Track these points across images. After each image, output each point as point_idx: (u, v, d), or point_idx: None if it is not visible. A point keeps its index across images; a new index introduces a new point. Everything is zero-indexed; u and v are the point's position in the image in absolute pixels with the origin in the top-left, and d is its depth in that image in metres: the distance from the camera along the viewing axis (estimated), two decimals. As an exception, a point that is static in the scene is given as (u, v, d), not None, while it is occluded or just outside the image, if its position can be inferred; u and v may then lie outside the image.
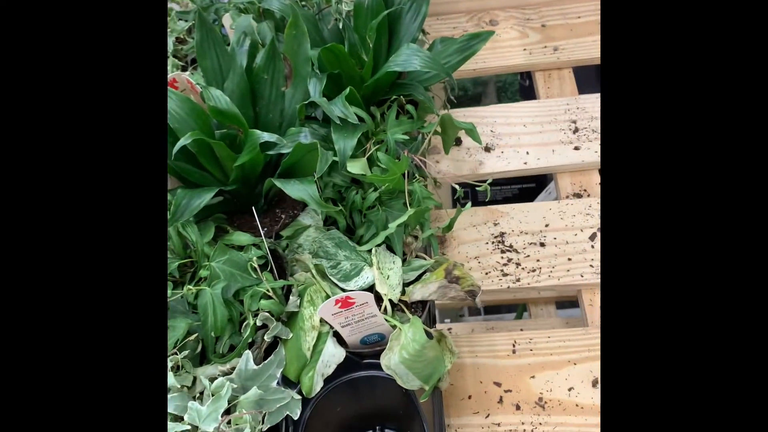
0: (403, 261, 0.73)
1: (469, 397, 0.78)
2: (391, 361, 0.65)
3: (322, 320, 0.66)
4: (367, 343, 0.70)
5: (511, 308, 1.49)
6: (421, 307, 0.72)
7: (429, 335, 0.66)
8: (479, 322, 1.24)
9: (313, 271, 0.69)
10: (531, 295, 1.22)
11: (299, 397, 0.64)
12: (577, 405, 0.76)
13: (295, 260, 0.72)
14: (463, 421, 0.76)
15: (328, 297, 0.66)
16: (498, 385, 0.79)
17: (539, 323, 1.19)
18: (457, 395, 0.78)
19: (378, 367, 0.67)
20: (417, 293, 0.70)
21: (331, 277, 0.69)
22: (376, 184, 0.71)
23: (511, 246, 0.91)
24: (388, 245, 0.73)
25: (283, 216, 0.77)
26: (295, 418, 0.63)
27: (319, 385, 0.65)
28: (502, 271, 0.88)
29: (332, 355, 0.66)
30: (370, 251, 0.71)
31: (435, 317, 0.73)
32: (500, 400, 0.77)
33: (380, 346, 0.68)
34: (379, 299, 0.69)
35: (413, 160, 0.72)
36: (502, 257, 0.90)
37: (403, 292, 0.70)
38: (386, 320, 0.67)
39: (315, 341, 0.66)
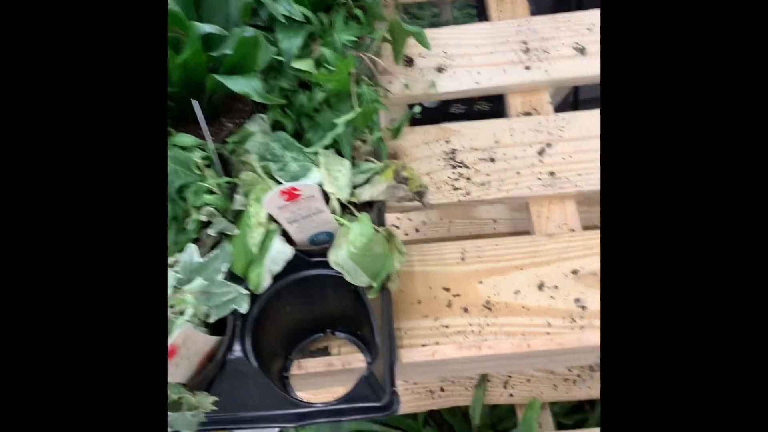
0: (352, 165, 0.73)
1: (419, 302, 0.79)
2: (339, 256, 0.66)
3: (269, 217, 0.66)
4: (316, 242, 0.70)
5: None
6: (369, 208, 0.72)
7: (376, 231, 0.67)
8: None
9: (260, 171, 0.68)
10: (485, 230, 1.24)
11: (246, 292, 0.64)
12: (523, 307, 0.78)
13: (241, 163, 0.71)
14: (413, 324, 0.77)
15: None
16: (447, 290, 0.80)
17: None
18: (406, 300, 0.79)
19: (327, 266, 0.67)
20: (365, 194, 0.70)
21: (278, 177, 0.69)
22: (322, 84, 0.70)
23: (461, 162, 0.92)
24: (337, 150, 0.73)
25: (229, 124, 0.76)
26: (243, 312, 0.63)
27: (267, 282, 0.66)
28: (452, 185, 0.89)
29: (280, 252, 0.66)
30: (317, 153, 0.71)
31: (384, 221, 0.74)
32: (449, 304, 0.79)
33: (328, 244, 0.68)
34: (328, 201, 0.69)
35: (362, 60, 0.72)
36: (453, 173, 0.91)
37: (352, 194, 0.71)
38: (335, 218, 0.67)
39: (262, 238, 0.65)
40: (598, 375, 1.21)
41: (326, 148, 0.70)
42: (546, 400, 1.21)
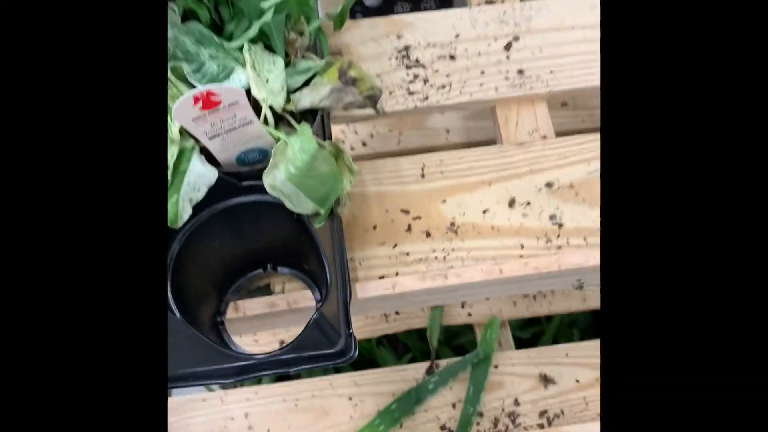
0: (287, 64, 0.59)
1: (374, 227, 0.68)
2: (276, 179, 0.53)
3: (183, 133, 0.52)
4: (246, 162, 0.57)
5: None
6: (311, 118, 0.59)
7: (321, 146, 0.54)
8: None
9: (170, 75, 0.54)
10: (438, 141, 1.12)
11: None
12: (492, 227, 0.68)
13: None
14: (368, 254, 0.66)
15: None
16: (406, 212, 0.69)
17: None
18: (360, 227, 0.68)
19: (261, 190, 0.55)
20: (305, 99, 0.56)
21: (193, 81, 0.54)
22: (243, -42, 0.55)
23: (417, 60, 0.78)
24: (267, 44, 0.59)
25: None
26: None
27: (186, 213, 0.53)
28: (407, 89, 0.76)
29: (200, 175, 0.53)
30: (242, 49, 0.56)
31: (330, 133, 0.61)
32: (408, 228, 0.68)
33: (262, 164, 0.55)
34: (259, 111, 0.56)
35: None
36: (408, 73, 0.77)
37: (288, 100, 0.57)
38: (268, 131, 0.54)
39: (176, 159, 0.52)
40: (559, 291, 1.15)
41: (252, 42, 0.56)
42: (505, 318, 1.15)
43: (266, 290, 0.64)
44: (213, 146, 0.53)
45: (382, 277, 0.65)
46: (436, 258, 0.66)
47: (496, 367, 1.01)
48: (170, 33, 0.58)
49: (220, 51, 0.56)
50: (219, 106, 0.49)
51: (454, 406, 1.03)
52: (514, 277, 0.64)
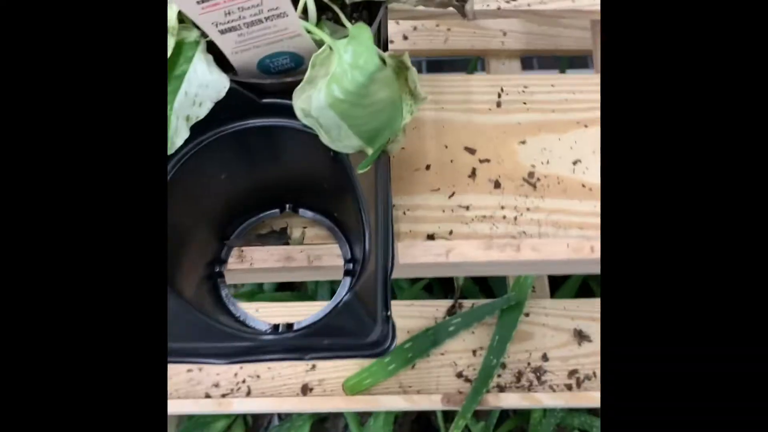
0: (342, -71, 0.40)
1: (428, 167, 0.52)
2: (312, 102, 0.37)
3: (185, 19, 0.35)
4: (271, 70, 0.40)
5: (459, 67, 1.18)
6: (368, 13, 0.41)
7: (381, 61, 0.37)
8: (423, 76, 0.95)
9: None
10: (491, 46, 0.92)
11: None
12: (584, 185, 0.52)
13: None
14: (417, 201, 0.51)
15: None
16: (471, 151, 0.53)
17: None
18: (409, 164, 0.52)
19: (288, 111, 0.39)
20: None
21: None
22: None
23: (507, -55, 0.59)
24: None
25: None
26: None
27: (181, 136, 0.37)
28: (490, -17, 0.57)
29: (204, 85, 0.36)
30: None
31: (386, 36, 0.44)
32: (473, 174, 0.52)
33: (293, 77, 0.39)
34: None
35: None
36: (493, -38, 0.58)
37: (339, -16, 0.39)
38: (306, 28, 0.37)
39: (171, 57, 0.35)
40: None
41: None
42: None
43: (281, 235, 0.49)
44: (225, 44, 0.36)
45: (431, 237, 0.50)
46: (504, 218, 0.50)
47: (526, 315, 0.87)
48: None
49: None
50: (237, -13, 0.32)
51: (474, 353, 0.91)
52: (606, 259, 0.48)
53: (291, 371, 0.79)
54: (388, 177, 0.45)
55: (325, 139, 0.38)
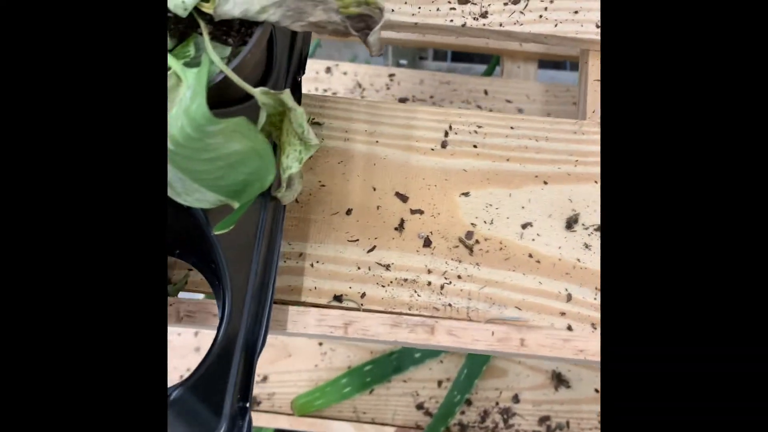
0: None
1: (348, 211, 0.44)
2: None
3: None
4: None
5: (485, 59, 1.08)
6: (247, 34, 0.33)
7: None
8: (435, 73, 0.86)
9: None
10: (508, 46, 0.83)
11: None
12: (531, 256, 0.42)
13: None
14: (329, 252, 0.43)
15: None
16: (403, 198, 0.44)
17: (511, 87, 0.81)
18: (326, 205, 0.44)
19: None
20: (233, 2, 0.30)
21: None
22: None
23: (486, -51, 0.49)
24: None
25: None
26: None
27: None
28: (456, -8, 0.48)
29: None
30: None
31: (301, 64, 0.36)
32: (400, 225, 0.43)
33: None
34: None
35: None
36: (467, -32, 0.49)
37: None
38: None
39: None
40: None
41: None
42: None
43: (158, 280, 0.41)
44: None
45: (338, 298, 0.41)
46: (429, 284, 0.42)
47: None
48: None
49: None
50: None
51: (440, 384, 0.83)
52: (543, 356, 0.40)
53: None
54: (275, 228, 0.37)
55: (173, 194, 0.30)
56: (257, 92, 0.31)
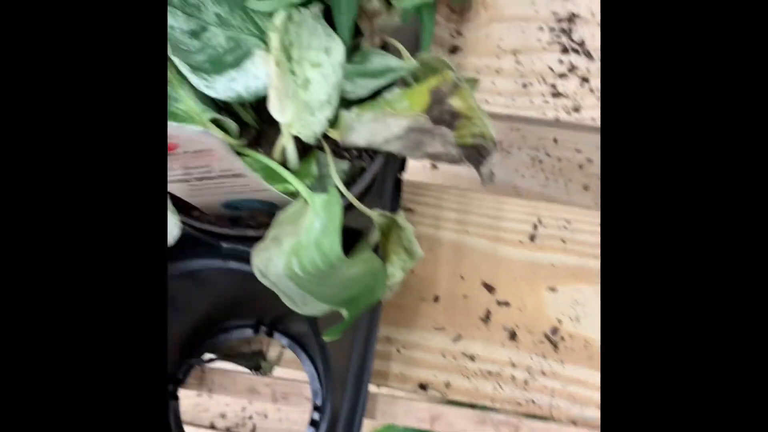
0: (351, 50, 0.34)
1: (436, 299, 0.45)
2: (271, 267, 0.31)
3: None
4: (239, 208, 0.34)
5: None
6: (368, 157, 0.35)
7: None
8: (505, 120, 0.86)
9: None
10: None
11: None
12: (614, 357, 0.43)
13: None
14: (415, 339, 0.44)
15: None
16: (490, 289, 0.45)
17: (581, 136, 0.81)
18: (414, 291, 0.45)
19: (248, 259, 0.33)
20: (361, 130, 0.32)
21: (177, 57, 0.31)
22: None
23: (582, 42, 0.50)
24: (327, 9, 0.33)
25: None
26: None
27: None
28: (553, 87, 0.49)
29: None
30: (273, 15, 0.32)
31: (399, 185, 0.38)
32: (486, 317, 0.45)
33: (255, 229, 0.33)
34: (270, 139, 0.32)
35: None
36: (562, 61, 0.50)
37: (335, 121, 0.33)
38: (280, 177, 0.31)
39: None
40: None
41: (296, 5, 0.31)
42: None
43: (252, 357, 0.43)
44: (176, 190, 0.30)
45: (423, 387, 0.43)
46: (513, 378, 0.43)
47: None
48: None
49: (236, 12, 0.32)
50: (175, 150, 0.26)
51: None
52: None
53: (299, 416, 0.74)
54: (374, 316, 0.38)
55: (287, 302, 0.32)
56: (374, 215, 0.32)
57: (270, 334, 0.43)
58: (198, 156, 0.27)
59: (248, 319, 0.42)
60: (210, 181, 0.29)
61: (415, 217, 0.47)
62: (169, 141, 0.25)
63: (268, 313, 0.41)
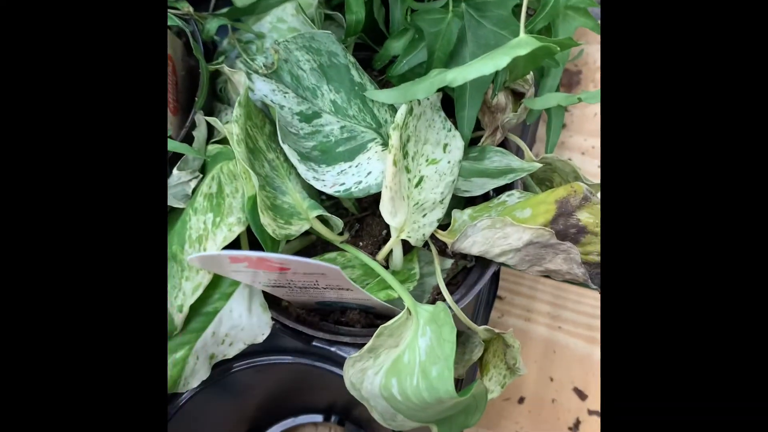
0: (469, 144, 0.31)
1: (521, 400, 0.42)
2: (366, 381, 0.28)
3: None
4: (332, 306, 0.31)
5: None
6: (476, 269, 0.32)
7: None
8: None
9: (240, 115, 0.28)
10: None
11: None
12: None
13: (229, 73, 0.31)
14: (495, 442, 0.41)
15: (254, 191, 0.26)
16: (582, 396, 0.41)
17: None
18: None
19: (337, 360, 0.30)
20: (475, 238, 0.29)
21: (286, 143, 0.29)
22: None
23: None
24: (447, 97, 0.31)
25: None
26: None
27: (198, 377, 0.30)
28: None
29: (239, 327, 0.29)
30: (394, 108, 0.29)
31: (497, 280, 0.35)
32: (575, 426, 0.41)
33: (351, 335, 0.30)
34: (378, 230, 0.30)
35: None
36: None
37: (446, 225, 0.30)
38: (384, 282, 0.28)
39: (202, 290, 0.28)
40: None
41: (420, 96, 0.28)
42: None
43: (322, 444, 0.41)
44: (275, 292, 0.28)
45: (501, 498, 0.39)
46: (600, 500, 0.39)
47: None
48: (295, 23, 0.31)
49: (354, 101, 0.29)
50: (286, 271, 0.24)
51: None
52: None
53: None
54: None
55: (376, 416, 0.29)
56: (481, 330, 0.29)
57: (341, 423, 0.40)
58: (309, 275, 0.25)
59: (319, 403, 0.39)
60: (313, 290, 0.27)
61: (504, 306, 0.44)
62: (272, 264, 0.23)
63: (338, 400, 0.38)
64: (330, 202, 0.33)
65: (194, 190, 0.28)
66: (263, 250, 0.28)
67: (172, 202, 0.28)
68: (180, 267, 0.27)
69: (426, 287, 0.32)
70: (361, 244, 0.32)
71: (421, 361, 0.26)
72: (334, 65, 0.29)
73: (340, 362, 0.31)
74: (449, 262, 0.32)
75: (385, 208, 0.28)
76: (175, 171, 0.28)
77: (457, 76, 0.25)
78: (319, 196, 0.32)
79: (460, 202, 0.31)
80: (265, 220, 0.26)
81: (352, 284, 0.25)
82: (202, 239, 0.27)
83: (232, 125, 0.27)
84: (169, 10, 0.31)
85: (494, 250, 0.29)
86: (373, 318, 0.32)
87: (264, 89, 0.30)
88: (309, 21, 0.31)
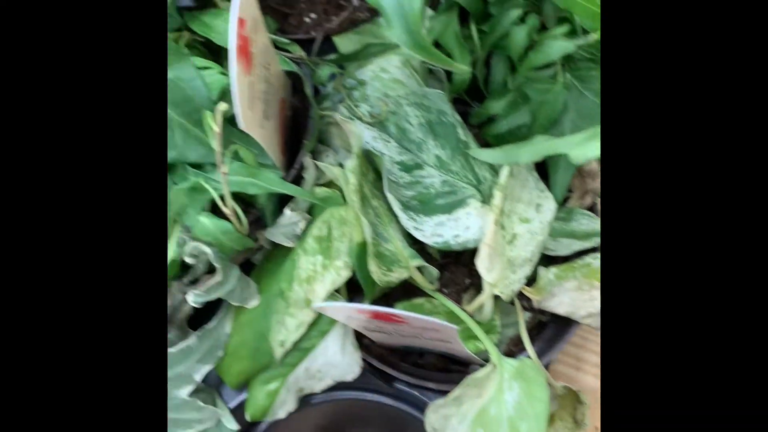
0: (559, 205, 0.33)
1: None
2: (447, 428, 0.29)
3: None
4: (412, 349, 0.33)
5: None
6: (553, 326, 0.33)
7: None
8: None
9: (356, 166, 0.30)
10: None
11: (235, 427, 0.30)
12: None
13: (331, 120, 0.32)
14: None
15: (365, 237, 0.28)
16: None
17: None
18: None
19: (418, 404, 0.31)
20: (562, 298, 0.30)
21: (391, 193, 0.30)
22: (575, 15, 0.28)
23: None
24: (541, 164, 0.32)
25: (345, 12, 0.36)
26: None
27: (286, 408, 0.31)
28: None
29: (332, 364, 0.30)
30: (495, 169, 0.31)
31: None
32: (618, 478, 0.41)
33: (435, 381, 0.31)
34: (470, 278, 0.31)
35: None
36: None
37: (533, 280, 0.31)
38: (471, 351, 0.30)
39: (305, 329, 0.29)
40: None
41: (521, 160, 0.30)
42: None
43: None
44: (372, 335, 0.29)
45: None
46: None
47: None
48: (397, 74, 0.33)
49: (457, 157, 0.31)
50: (402, 323, 0.25)
51: None
52: None
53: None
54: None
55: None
56: (559, 387, 0.31)
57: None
58: (419, 329, 0.26)
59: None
60: (412, 338, 0.28)
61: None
62: (393, 317, 0.24)
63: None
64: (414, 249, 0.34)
65: (304, 232, 0.29)
66: (361, 293, 0.30)
67: (281, 239, 0.29)
68: (286, 303, 0.29)
69: (503, 337, 0.33)
70: (445, 291, 0.33)
71: (509, 416, 0.28)
72: (442, 123, 0.31)
73: (418, 404, 0.32)
74: (527, 315, 0.34)
75: (482, 264, 0.29)
76: (287, 211, 0.29)
77: (564, 148, 0.27)
78: (419, 252, 0.33)
79: (542, 259, 0.33)
80: (372, 266, 0.28)
81: (460, 343, 0.26)
82: (311, 280, 0.28)
83: (347, 174, 0.28)
84: (281, 53, 0.33)
85: (581, 312, 0.30)
86: (448, 362, 0.34)
87: (366, 136, 0.32)
88: (416, 75, 0.32)
